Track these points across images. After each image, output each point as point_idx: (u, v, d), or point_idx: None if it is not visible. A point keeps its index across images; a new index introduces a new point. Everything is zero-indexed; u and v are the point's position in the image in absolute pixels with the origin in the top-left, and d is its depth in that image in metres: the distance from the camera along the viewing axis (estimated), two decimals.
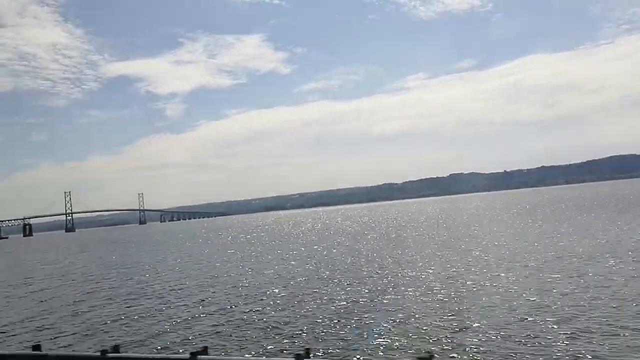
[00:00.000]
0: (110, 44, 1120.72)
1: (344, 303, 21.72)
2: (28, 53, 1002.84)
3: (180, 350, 15.68)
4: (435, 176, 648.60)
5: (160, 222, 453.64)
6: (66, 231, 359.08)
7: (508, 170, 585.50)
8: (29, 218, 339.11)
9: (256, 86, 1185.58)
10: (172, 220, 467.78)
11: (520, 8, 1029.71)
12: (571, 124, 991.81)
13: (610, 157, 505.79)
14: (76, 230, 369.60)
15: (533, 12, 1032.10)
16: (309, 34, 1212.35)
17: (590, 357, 13.05)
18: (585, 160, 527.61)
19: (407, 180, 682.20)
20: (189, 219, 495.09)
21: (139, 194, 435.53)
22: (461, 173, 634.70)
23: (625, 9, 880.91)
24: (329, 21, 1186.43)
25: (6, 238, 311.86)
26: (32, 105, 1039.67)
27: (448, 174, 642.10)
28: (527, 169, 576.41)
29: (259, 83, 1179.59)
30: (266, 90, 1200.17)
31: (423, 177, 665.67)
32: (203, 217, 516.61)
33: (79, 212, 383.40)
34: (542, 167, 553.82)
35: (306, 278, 29.99)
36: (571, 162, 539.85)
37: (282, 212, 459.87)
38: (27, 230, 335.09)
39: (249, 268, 38.23)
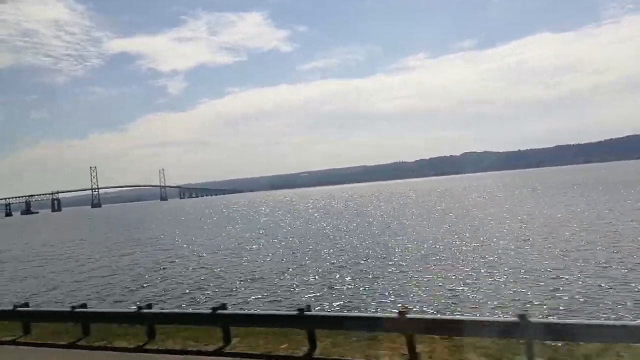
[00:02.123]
0: (111, 20, 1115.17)
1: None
2: (29, 29, 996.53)
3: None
4: (448, 155, 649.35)
5: (180, 198, 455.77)
6: (92, 207, 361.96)
7: (523, 149, 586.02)
8: (57, 193, 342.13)
9: (258, 64, 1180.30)
10: (191, 197, 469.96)
11: None
12: (574, 105, 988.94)
13: (627, 136, 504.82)
14: (102, 205, 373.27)
15: None
16: (310, 12, 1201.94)
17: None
18: (600, 140, 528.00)
19: (419, 159, 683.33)
20: (204, 195, 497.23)
21: (160, 170, 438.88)
22: (474, 152, 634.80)
23: None
24: None
25: (37, 213, 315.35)
26: (34, 82, 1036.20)
27: (461, 153, 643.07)
28: (542, 148, 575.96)
29: (260, 61, 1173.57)
30: (267, 69, 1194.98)
31: (435, 156, 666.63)
32: (216, 195, 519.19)
33: (105, 187, 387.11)
34: (558, 146, 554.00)
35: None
36: (587, 142, 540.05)
37: (298, 190, 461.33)
38: (56, 205, 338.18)
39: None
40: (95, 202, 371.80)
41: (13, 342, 14.00)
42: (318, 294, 21.06)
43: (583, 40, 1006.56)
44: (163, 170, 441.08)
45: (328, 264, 28.84)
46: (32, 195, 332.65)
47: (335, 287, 22.20)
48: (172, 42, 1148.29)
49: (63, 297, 25.47)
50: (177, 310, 17.88)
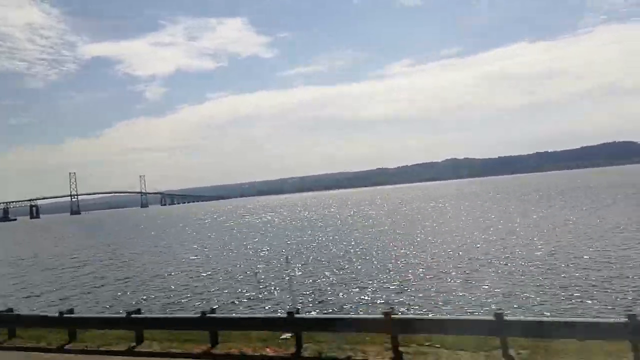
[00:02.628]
0: (87, 24, 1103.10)
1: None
2: (3, 33, 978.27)
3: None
4: (430, 161, 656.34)
5: (161, 205, 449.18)
6: (71, 214, 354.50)
7: (502, 155, 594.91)
8: (36, 199, 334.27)
9: (238, 70, 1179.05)
10: (172, 203, 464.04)
11: None
12: (551, 113, 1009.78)
13: (604, 143, 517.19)
14: (81, 212, 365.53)
15: (516, 0, 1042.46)
16: (292, 19, 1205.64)
17: None
18: (579, 147, 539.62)
19: (402, 165, 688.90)
20: (186, 202, 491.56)
21: (140, 176, 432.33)
22: (455, 158, 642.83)
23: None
24: (313, 5, 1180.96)
25: (15, 220, 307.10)
26: (9, 87, 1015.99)
27: (442, 159, 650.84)
28: (521, 155, 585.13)
29: (241, 67, 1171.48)
30: (248, 74, 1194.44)
31: (418, 162, 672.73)
32: (199, 201, 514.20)
33: (84, 194, 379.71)
34: (537, 153, 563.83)
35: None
36: (565, 149, 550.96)
37: (282, 197, 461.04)
38: (35, 212, 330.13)
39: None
40: (75, 209, 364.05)
41: None
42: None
43: (560, 49, 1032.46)
44: (144, 176, 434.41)
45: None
46: (9, 202, 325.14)
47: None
48: (150, 46, 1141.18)
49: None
50: (164, 315, 18.91)
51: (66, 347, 13.89)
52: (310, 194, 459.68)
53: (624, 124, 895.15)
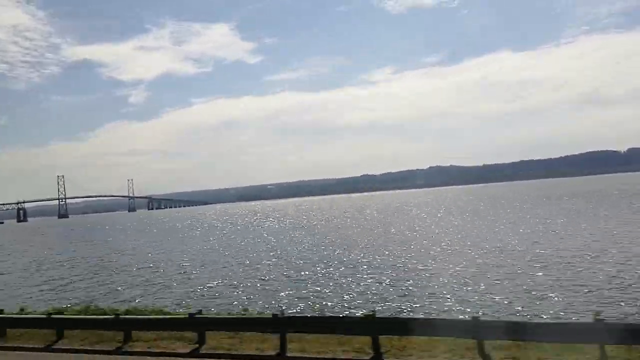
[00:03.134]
0: (72, 26, 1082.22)
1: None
2: None
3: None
4: (415, 168, 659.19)
5: (148, 209, 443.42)
6: (59, 217, 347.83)
7: (488, 163, 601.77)
8: (23, 202, 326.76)
9: (223, 75, 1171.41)
10: (159, 208, 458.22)
11: (486, 5, 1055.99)
12: (536, 121, 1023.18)
13: (587, 152, 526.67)
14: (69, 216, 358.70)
15: (498, 9, 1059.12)
16: (277, 25, 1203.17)
17: None
18: (563, 155, 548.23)
19: (387, 172, 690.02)
20: (172, 207, 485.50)
21: (128, 180, 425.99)
22: (440, 166, 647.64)
23: (586, 8, 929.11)
24: (298, 12, 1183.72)
25: (2, 223, 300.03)
26: None
27: (428, 166, 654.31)
28: (505, 163, 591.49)
29: (226, 72, 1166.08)
30: (233, 80, 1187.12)
31: (403, 169, 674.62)
32: (186, 206, 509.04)
33: (72, 197, 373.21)
34: (522, 161, 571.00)
35: None
36: (550, 157, 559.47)
37: (268, 202, 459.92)
38: (22, 215, 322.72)
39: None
40: (63, 213, 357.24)
41: None
42: None
43: (543, 58, 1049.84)
44: (132, 180, 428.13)
45: None
46: None
47: None
48: (135, 50, 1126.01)
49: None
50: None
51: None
52: (292, 200, 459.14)
53: (607, 132, 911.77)
